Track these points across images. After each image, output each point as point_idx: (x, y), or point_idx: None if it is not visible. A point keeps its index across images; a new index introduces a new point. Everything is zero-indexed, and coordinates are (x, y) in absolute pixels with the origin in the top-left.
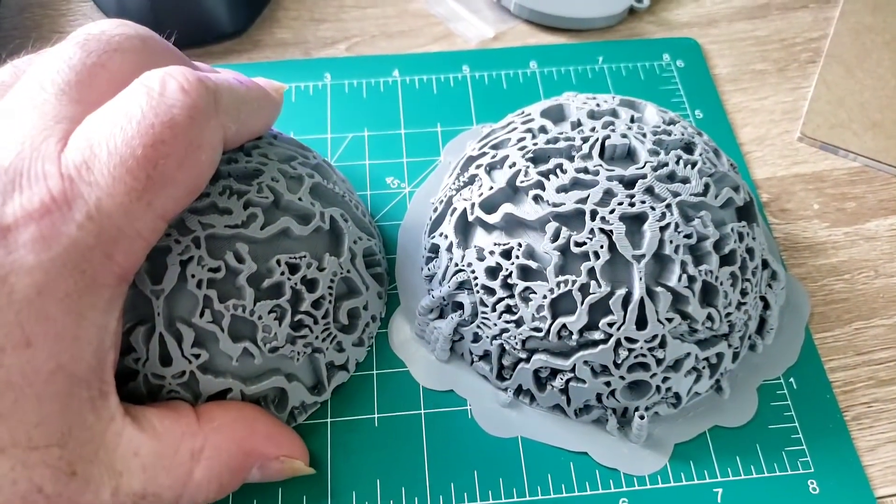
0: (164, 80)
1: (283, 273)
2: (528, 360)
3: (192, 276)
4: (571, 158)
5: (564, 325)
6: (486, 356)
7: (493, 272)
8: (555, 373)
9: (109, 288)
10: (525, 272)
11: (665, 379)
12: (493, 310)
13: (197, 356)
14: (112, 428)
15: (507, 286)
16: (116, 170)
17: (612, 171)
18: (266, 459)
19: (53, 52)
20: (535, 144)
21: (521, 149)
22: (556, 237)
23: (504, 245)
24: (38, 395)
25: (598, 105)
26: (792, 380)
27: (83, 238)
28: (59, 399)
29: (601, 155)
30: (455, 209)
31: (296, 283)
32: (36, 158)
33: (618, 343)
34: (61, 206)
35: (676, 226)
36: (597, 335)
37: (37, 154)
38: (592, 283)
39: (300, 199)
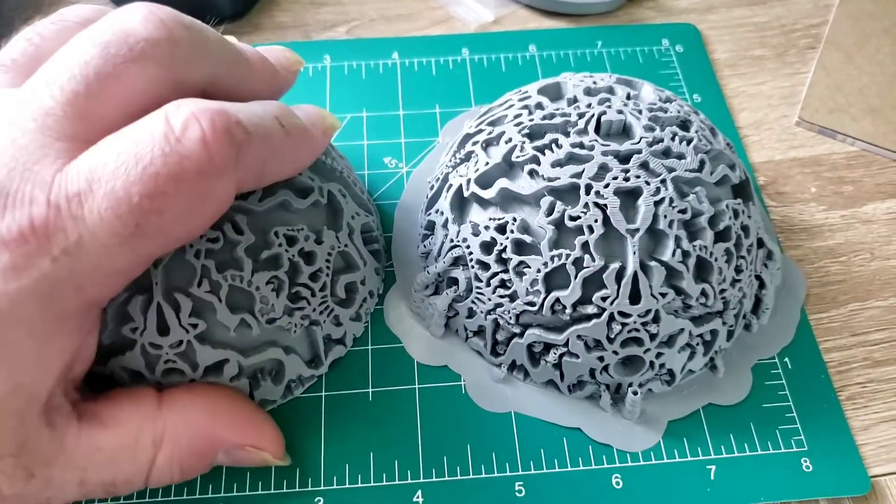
0: (188, 122)
1: (280, 245)
2: (521, 334)
3: (191, 245)
4: (567, 134)
5: (558, 300)
6: (480, 332)
7: (487, 247)
8: (548, 348)
9: (79, 315)
10: (519, 246)
11: (659, 355)
12: (488, 284)
13: (194, 326)
14: (69, 433)
15: (502, 261)
16: (107, 212)
17: (608, 146)
18: (230, 447)
19: (72, 48)
20: (531, 120)
21: (518, 125)
22: (550, 211)
23: (499, 220)
24: None
25: (594, 83)
26: (787, 360)
27: (55, 272)
28: (16, 416)
29: (597, 130)
30: (451, 185)
31: (293, 256)
32: (26, 180)
33: (611, 317)
34: (39, 238)
35: (671, 201)
36: (590, 309)
37: (28, 175)
38: (586, 256)
39: (301, 171)
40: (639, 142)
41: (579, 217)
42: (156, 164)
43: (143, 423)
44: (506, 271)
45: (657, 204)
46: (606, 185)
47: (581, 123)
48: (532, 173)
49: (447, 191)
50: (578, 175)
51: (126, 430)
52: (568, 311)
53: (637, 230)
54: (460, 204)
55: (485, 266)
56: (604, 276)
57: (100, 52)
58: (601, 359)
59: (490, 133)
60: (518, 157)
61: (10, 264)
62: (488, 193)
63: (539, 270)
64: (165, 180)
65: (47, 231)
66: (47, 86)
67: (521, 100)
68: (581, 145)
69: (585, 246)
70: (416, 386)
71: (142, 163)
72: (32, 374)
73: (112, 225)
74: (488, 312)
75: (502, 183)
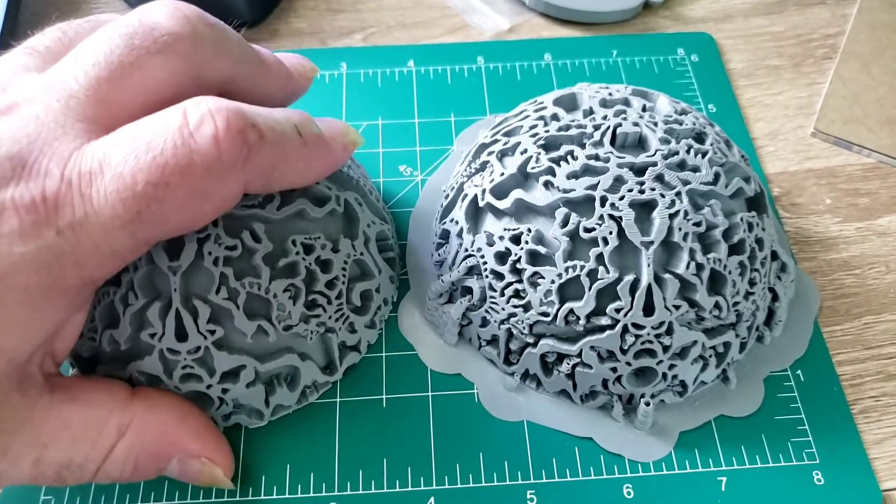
0: (204, 118)
1: (297, 253)
2: (535, 344)
3: (209, 253)
4: (583, 146)
5: (572, 311)
6: (493, 341)
7: (502, 257)
8: (561, 358)
9: (73, 290)
10: (534, 257)
11: (671, 366)
12: (502, 294)
13: (212, 332)
14: (40, 404)
15: (516, 271)
16: (112, 195)
17: (623, 158)
18: (187, 455)
19: (99, 37)
20: (546, 132)
21: (533, 136)
22: (565, 223)
23: (514, 230)
24: None
25: (610, 94)
26: (799, 372)
27: (58, 244)
28: None
29: (612, 142)
30: (466, 195)
31: (310, 264)
32: (45, 154)
33: (625, 329)
34: (49, 209)
35: (685, 213)
36: (604, 321)
37: (48, 149)
38: (601, 268)
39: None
40: (654, 154)
41: (594, 229)
42: (165, 155)
43: (114, 409)
44: (520, 281)
45: (672, 216)
46: (621, 198)
47: (597, 135)
48: (547, 185)
49: (462, 200)
50: (594, 187)
51: (97, 410)
52: (581, 322)
53: (651, 242)
54: (475, 214)
55: (499, 276)
56: (618, 287)
57: (125, 42)
58: (614, 370)
59: (505, 143)
60: (533, 168)
61: (18, 230)
62: (503, 204)
63: (553, 281)
64: (172, 171)
65: (56, 203)
66: (72, 69)
67: (536, 110)
68: (596, 157)
69: (600, 258)
70: (430, 393)
71: (152, 152)
72: (16, 339)
73: (115, 207)
74: (502, 322)
75: (517, 194)
